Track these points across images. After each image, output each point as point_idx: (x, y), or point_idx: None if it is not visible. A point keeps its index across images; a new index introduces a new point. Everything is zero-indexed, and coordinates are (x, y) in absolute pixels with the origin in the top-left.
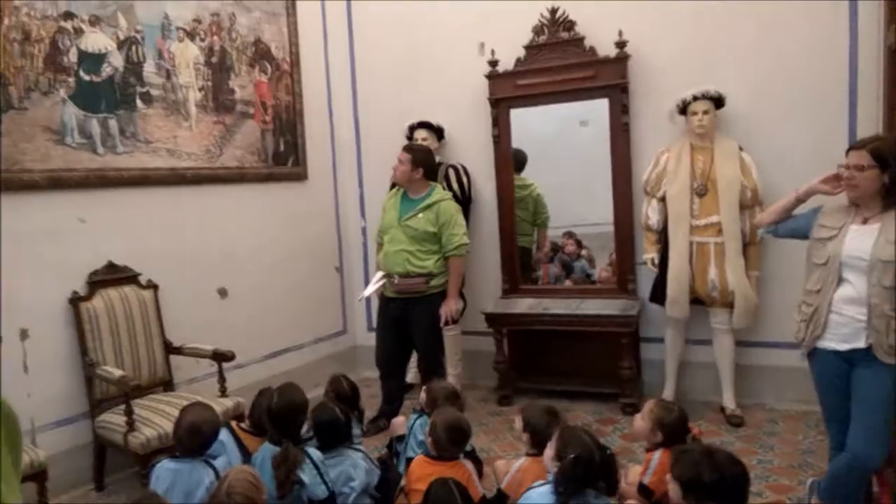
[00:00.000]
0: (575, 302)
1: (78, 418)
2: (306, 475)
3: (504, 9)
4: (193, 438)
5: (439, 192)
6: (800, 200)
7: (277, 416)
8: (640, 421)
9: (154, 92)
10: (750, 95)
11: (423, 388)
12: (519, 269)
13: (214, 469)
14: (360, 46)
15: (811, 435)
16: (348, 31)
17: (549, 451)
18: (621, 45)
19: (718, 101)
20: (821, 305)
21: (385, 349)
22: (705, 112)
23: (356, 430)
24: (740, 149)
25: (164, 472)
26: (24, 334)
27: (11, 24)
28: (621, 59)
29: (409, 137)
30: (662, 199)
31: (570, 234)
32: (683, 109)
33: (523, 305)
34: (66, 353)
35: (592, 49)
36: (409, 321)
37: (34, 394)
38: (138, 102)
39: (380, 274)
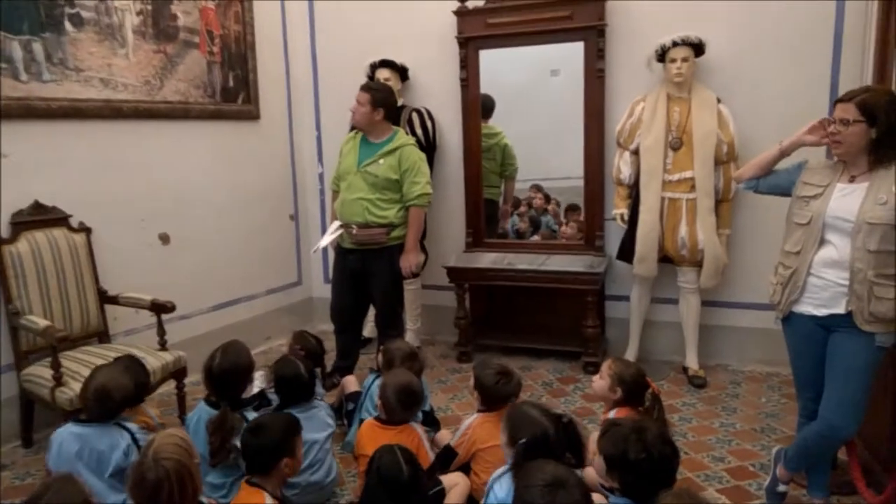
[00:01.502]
0: (540, 258)
1: (2, 370)
2: None
3: None
4: (101, 404)
5: (402, 137)
6: (784, 153)
7: (219, 377)
8: (600, 380)
9: (85, 14)
10: (731, 43)
11: (380, 348)
12: (484, 221)
13: (130, 431)
14: None
15: (774, 398)
16: None
17: (503, 436)
18: None
19: (699, 49)
20: (800, 268)
21: (341, 303)
22: (684, 59)
23: (318, 388)
24: (718, 100)
25: (69, 436)
26: None
27: None
28: None
29: (371, 77)
30: (636, 152)
31: (537, 188)
32: (662, 56)
33: (487, 260)
34: None
35: None
36: (367, 274)
37: None
38: (67, 25)
39: (336, 224)
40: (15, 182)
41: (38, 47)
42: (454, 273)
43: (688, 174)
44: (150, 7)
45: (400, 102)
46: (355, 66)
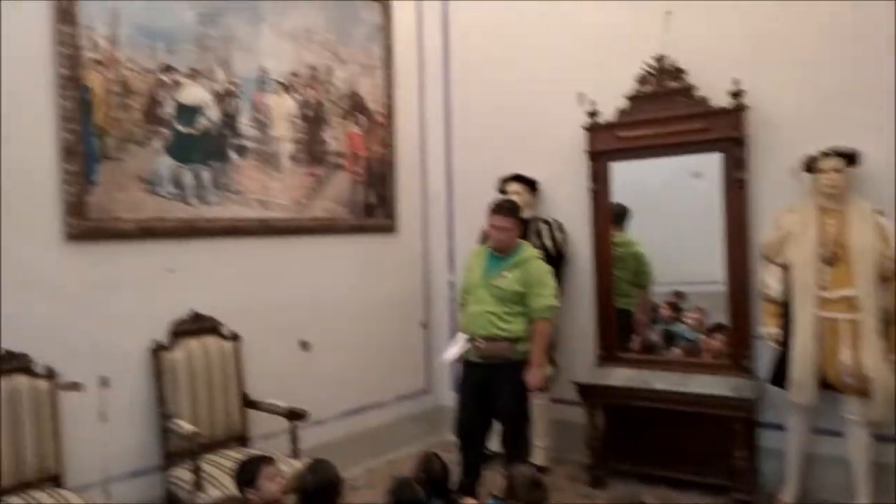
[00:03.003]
0: (680, 377)
1: (151, 471)
2: None
3: (606, 58)
4: None
5: (529, 250)
6: None
7: (315, 496)
8: None
9: (248, 144)
10: (888, 152)
11: (503, 471)
12: (617, 334)
13: None
14: (455, 97)
15: None
16: (444, 82)
17: None
18: (737, 94)
19: (851, 159)
20: None
21: (466, 417)
22: (836, 170)
23: None
24: (878, 213)
25: None
26: (104, 382)
27: (113, 78)
28: (737, 110)
29: (502, 191)
30: (785, 267)
31: (678, 294)
32: (810, 167)
33: (620, 377)
34: (143, 403)
35: (704, 99)
36: (492, 389)
37: (110, 443)
38: (232, 154)
39: (463, 336)
40: (178, 294)
41: (206, 175)
42: (585, 390)
43: (847, 292)
44: (304, 136)
45: (529, 214)
46: (487, 180)
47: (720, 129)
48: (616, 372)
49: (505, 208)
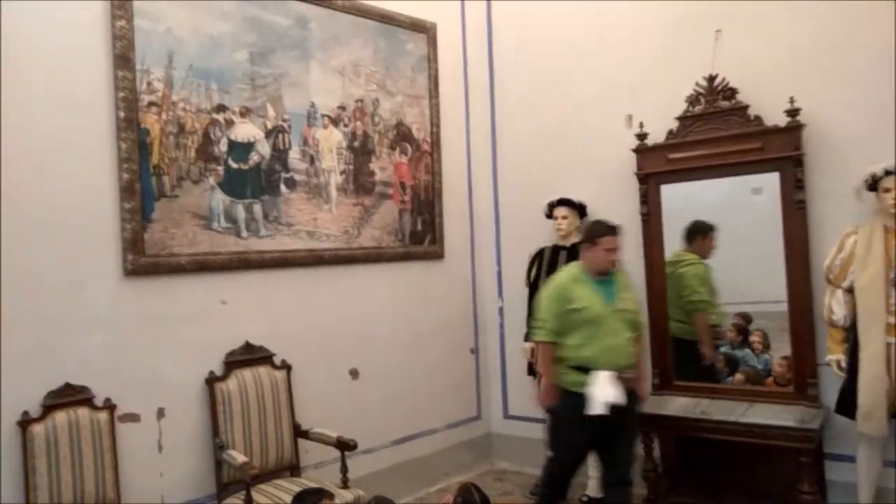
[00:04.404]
0: (741, 406)
1: (205, 500)
2: None
3: (655, 79)
4: None
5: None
6: None
7: None
8: None
9: (297, 177)
10: None
11: None
12: (673, 361)
13: None
14: (501, 123)
15: None
16: (490, 108)
17: None
18: (793, 112)
19: None
20: None
21: (575, 468)
22: None
23: None
24: None
25: None
26: (160, 413)
27: (169, 118)
28: (794, 129)
29: (549, 215)
30: (850, 291)
31: (742, 316)
32: (874, 185)
33: (677, 406)
34: (198, 433)
35: (758, 118)
36: (623, 422)
37: (166, 473)
38: (282, 187)
39: (608, 375)
40: (231, 325)
41: (257, 208)
42: (640, 419)
43: None
44: (351, 167)
45: (578, 238)
46: (534, 205)
47: (776, 149)
48: (673, 401)
49: (617, 227)
